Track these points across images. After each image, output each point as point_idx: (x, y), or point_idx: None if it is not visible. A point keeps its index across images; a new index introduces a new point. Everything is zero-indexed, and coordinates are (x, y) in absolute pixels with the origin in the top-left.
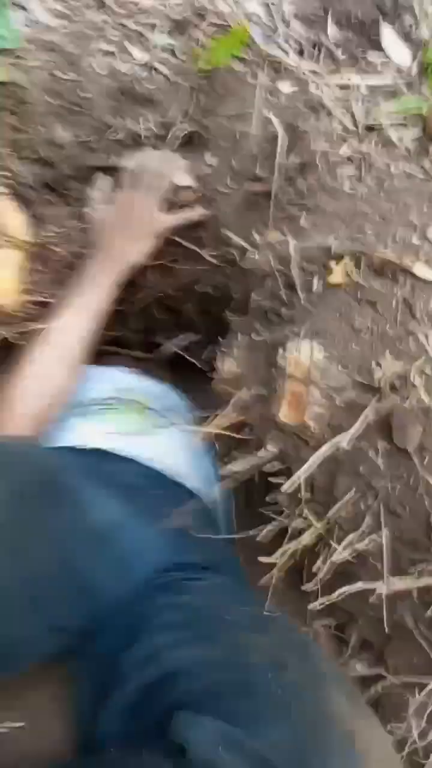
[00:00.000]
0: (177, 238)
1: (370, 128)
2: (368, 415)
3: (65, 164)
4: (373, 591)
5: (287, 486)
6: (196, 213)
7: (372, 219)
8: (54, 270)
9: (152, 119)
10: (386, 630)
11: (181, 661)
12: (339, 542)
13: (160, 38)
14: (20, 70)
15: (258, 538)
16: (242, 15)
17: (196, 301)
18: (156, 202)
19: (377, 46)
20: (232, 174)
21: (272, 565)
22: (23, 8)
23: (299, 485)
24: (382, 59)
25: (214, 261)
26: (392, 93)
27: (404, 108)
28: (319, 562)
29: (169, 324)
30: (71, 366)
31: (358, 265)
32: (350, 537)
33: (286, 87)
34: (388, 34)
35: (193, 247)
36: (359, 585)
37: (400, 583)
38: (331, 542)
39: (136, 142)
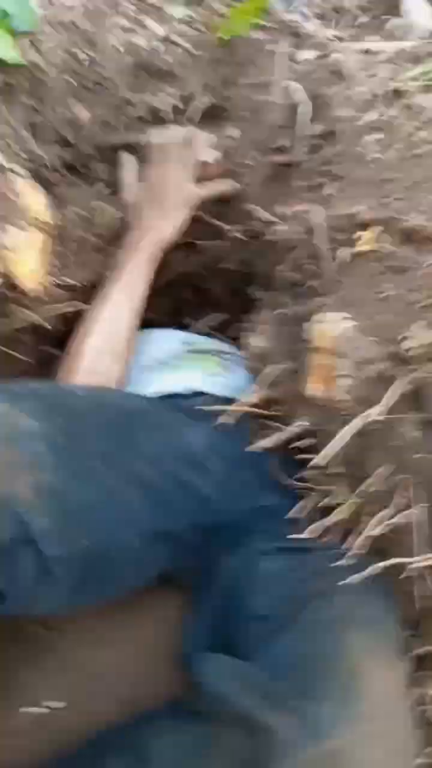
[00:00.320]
0: (201, 214)
1: (395, 93)
2: (399, 386)
3: (85, 144)
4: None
5: (320, 459)
6: (226, 185)
7: (399, 186)
8: (78, 252)
9: (172, 93)
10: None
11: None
12: (372, 517)
13: (177, 10)
14: (37, 52)
15: (289, 515)
16: None
17: (222, 279)
18: (186, 173)
19: (400, 9)
20: (255, 145)
21: None
22: None
23: (330, 461)
24: (405, 23)
25: (239, 236)
26: (417, 57)
27: (430, 72)
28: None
29: (196, 304)
30: (120, 356)
31: (386, 233)
32: (383, 513)
33: (307, 54)
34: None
35: (217, 222)
36: (393, 561)
37: None
38: (364, 518)
39: (156, 117)
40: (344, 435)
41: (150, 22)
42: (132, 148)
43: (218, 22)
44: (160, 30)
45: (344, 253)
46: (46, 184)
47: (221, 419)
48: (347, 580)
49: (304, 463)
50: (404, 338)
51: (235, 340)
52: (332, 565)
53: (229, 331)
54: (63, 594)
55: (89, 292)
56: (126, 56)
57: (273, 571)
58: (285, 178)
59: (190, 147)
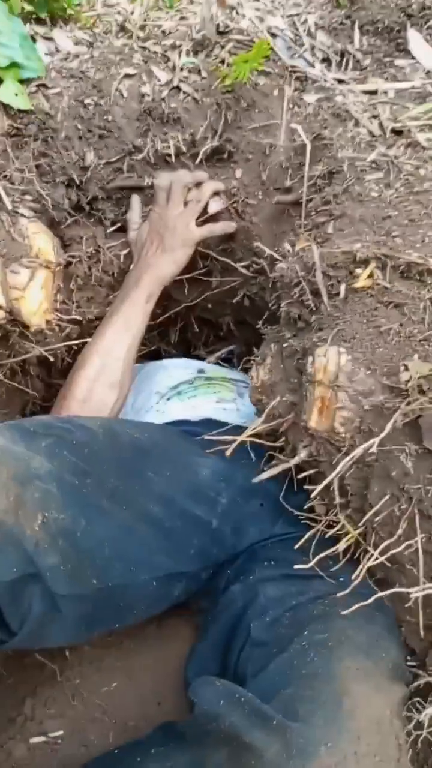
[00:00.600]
0: (209, 252)
1: (397, 132)
2: (397, 418)
3: (93, 186)
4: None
5: (318, 491)
6: (224, 226)
7: (399, 222)
8: (83, 287)
9: (179, 137)
10: (421, 635)
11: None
12: (375, 547)
13: (183, 58)
14: (44, 98)
15: (296, 547)
16: (265, 30)
17: (232, 312)
18: (189, 214)
19: (404, 51)
20: (261, 186)
21: None
22: (48, 38)
23: (334, 492)
24: (409, 63)
25: (247, 272)
26: (420, 96)
27: (431, 111)
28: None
29: (208, 337)
30: (114, 386)
31: (384, 269)
32: (386, 542)
33: (311, 97)
34: (415, 38)
35: (225, 259)
36: (394, 590)
37: None
38: (368, 548)
39: (163, 161)
40: (343, 467)
41: (156, 70)
42: (139, 190)
43: (223, 70)
44: (166, 77)
45: (343, 289)
46: (54, 224)
47: (227, 452)
48: (348, 609)
49: (310, 493)
50: (402, 370)
51: (245, 372)
52: (334, 591)
53: (237, 362)
54: (72, 629)
55: (95, 325)
56: (133, 102)
57: (274, 596)
58: (290, 218)
59: (195, 189)
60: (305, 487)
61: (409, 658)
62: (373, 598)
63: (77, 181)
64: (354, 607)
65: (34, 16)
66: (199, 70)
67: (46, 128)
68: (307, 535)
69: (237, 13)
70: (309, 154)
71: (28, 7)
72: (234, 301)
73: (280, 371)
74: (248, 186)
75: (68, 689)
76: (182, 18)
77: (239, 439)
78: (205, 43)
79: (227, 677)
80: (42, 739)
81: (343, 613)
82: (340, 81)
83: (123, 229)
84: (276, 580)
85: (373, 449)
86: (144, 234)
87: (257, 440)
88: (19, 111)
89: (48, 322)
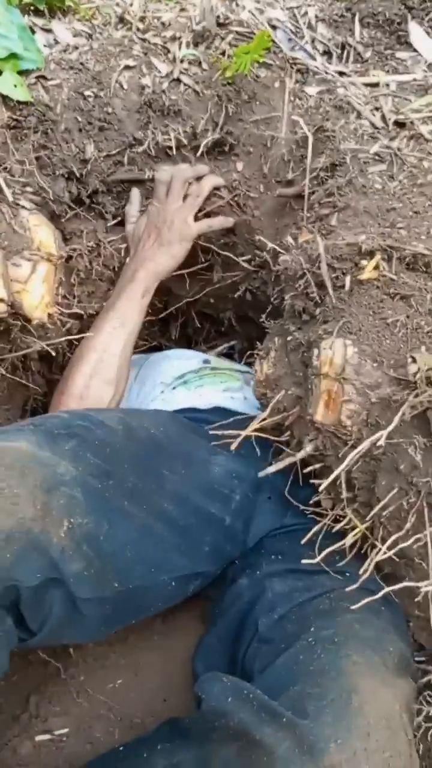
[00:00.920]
0: (210, 246)
1: (400, 124)
2: (405, 410)
3: (94, 178)
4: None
5: (325, 485)
6: (221, 221)
7: (404, 214)
8: (84, 281)
9: (180, 130)
10: (431, 629)
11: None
12: (383, 542)
13: (184, 50)
14: (43, 89)
15: (303, 542)
16: (265, 22)
17: (234, 307)
18: (187, 209)
19: (405, 43)
20: (263, 179)
21: None
22: (47, 30)
23: (340, 486)
24: (410, 55)
25: (248, 266)
26: (422, 88)
27: None
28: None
29: (209, 332)
30: (111, 381)
31: (389, 261)
32: (394, 536)
33: (312, 89)
34: (416, 30)
35: (226, 253)
36: (403, 584)
37: None
38: (376, 543)
39: (164, 153)
40: (350, 460)
41: (156, 61)
42: (139, 183)
43: (224, 62)
44: (166, 69)
45: (348, 280)
46: (54, 217)
47: (232, 447)
48: (356, 604)
49: (317, 487)
50: (409, 362)
51: (249, 366)
52: (340, 586)
53: (238, 357)
54: (92, 629)
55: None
56: (133, 95)
57: (281, 592)
58: (292, 210)
59: (195, 184)
60: (311, 481)
61: (417, 653)
62: (382, 593)
63: (77, 174)
64: (362, 603)
65: (32, 7)
66: (200, 62)
67: (45, 120)
68: (313, 530)
69: (237, 4)
70: (311, 146)
71: None
72: (235, 295)
73: (284, 365)
74: (249, 179)
75: (73, 686)
76: (182, 9)
77: (243, 434)
78: (206, 35)
79: (235, 671)
80: (47, 736)
81: (354, 608)
82: (342, 73)
83: (123, 223)
84: (283, 575)
85: (381, 442)
86: (141, 227)
87: (262, 435)
88: (19, 103)
89: (50, 315)
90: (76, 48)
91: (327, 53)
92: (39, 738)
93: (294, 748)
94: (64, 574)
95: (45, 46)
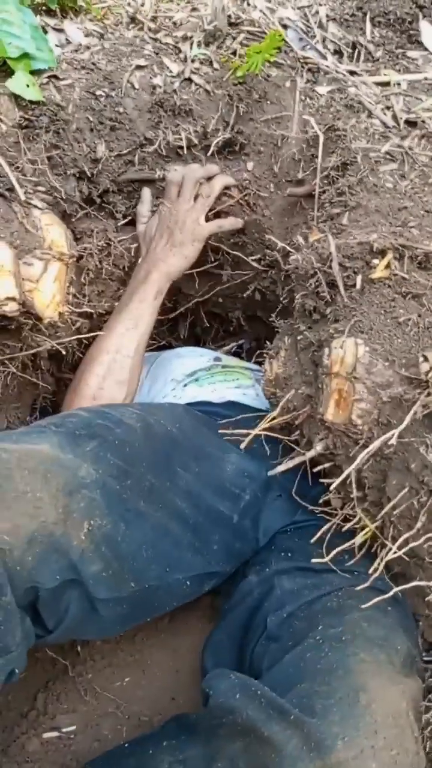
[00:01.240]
0: (220, 245)
1: (411, 123)
2: (417, 410)
3: (104, 178)
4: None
5: (335, 485)
6: (232, 222)
7: (416, 212)
8: (95, 281)
9: (191, 130)
10: None
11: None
12: (394, 541)
13: (195, 50)
14: (55, 89)
15: (312, 541)
16: (276, 21)
17: (243, 307)
18: (199, 209)
19: (416, 42)
20: (273, 178)
21: None
22: (59, 30)
23: (350, 485)
24: (421, 54)
25: (258, 266)
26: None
27: None
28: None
29: (218, 332)
30: (123, 382)
31: (401, 260)
32: (405, 536)
33: (323, 89)
34: (427, 29)
35: (236, 252)
36: (414, 584)
37: None
38: (386, 542)
39: (174, 153)
40: (361, 460)
41: (167, 61)
42: (150, 182)
43: (235, 61)
44: (177, 69)
45: (359, 280)
46: (65, 216)
47: (242, 446)
48: (364, 602)
49: (327, 486)
50: (421, 361)
51: (258, 365)
52: (349, 584)
53: (246, 357)
54: (108, 627)
55: (106, 319)
56: (144, 94)
57: (290, 589)
58: (301, 210)
59: (205, 184)
60: (321, 480)
61: (426, 653)
62: (392, 592)
63: (88, 174)
64: (371, 602)
65: (44, 7)
66: (211, 62)
67: (57, 120)
68: (323, 530)
69: (248, 4)
70: (322, 145)
71: None
72: (245, 295)
73: (294, 364)
74: (260, 178)
75: (81, 684)
76: (193, 9)
77: (253, 433)
78: (217, 35)
79: (243, 667)
80: (55, 734)
81: (363, 607)
82: (353, 72)
83: (134, 223)
84: (292, 572)
85: (393, 441)
86: (153, 228)
87: (272, 434)
88: (31, 102)
89: (61, 314)
90: (88, 48)
91: (338, 52)
92: (47, 735)
93: (302, 745)
94: (83, 576)
95: (57, 45)
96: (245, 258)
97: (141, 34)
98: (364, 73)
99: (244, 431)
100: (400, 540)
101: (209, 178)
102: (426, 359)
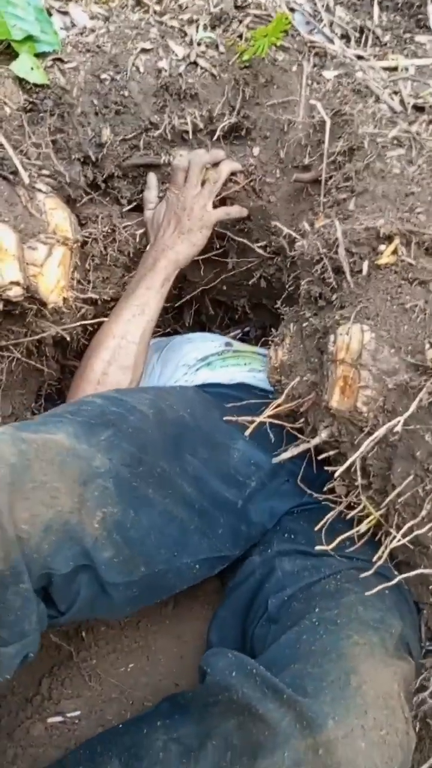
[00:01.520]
0: (226, 232)
1: (419, 109)
2: (423, 397)
3: (109, 163)
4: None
5: (340, 472)
6: (239, 209)
7: (423, 198)
8: (99, 267)
9: (196, 114)
10: None
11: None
12: (398, 529)
13: (201, 33)
14: (60, 72)
15: (316, 528)
16: (283, 5)
17: (248, 294)
18: (206, 195)
19: (424, 27)
20: (279, 164)
21: None
22: (64, 12)
23: (355, 473)
24: (429, 39)
25: (264, 253)
26: None
27: None
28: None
29: (223, 320)
30: (129, 368)
31: (408, 246)
32: (409, 523)
33: (330, 73)
34: None
35: (242, 239)
36: (418, 571)
37: None
38: (390, 530)
39: (180, 138)
40: (366, 447)
41: (173, 44)
42: (155, 167)
43: (241, 45)
44: (183, 52)
45: (366, 265)
46: (70, 201)
47: (247, 433)
48: (363, 586)
49: (333, 473)
50: (427, 348)
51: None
52: (348, 567)
53: (254, 344)
54: (118, 609)
55: (111, 305)
56: (150, 78)
57: (290, 571)
58: (307, 196)
59: (212, 169)
60: (326, 468)
61: (430, 642)
62: (395, 580)
63: (93, 158)
64: (375, 590)
65: None
66: (217, 45)
67: (62, 103)
68: (327, 518)
69: None
70: (329, 130)
71: None
72: (250, 282)
73: (299, 351)
74: (266, 164)
75: (85, 670)
76: None
77: (258, 419)
78: (223, 18)
79: (246, 645)
80: (59, 719)
81: (366, 594)
82: (360, 57)
83: (139, 208)
84: (292, 555)
85: (398, 428)
86: (161, 214)
87: (276, 421)
88: (35, 85)
89: (65, 299)
90: (93, 31)
91: (345, 37)
92: (51, 720)
93: (294, 723)
94: (95, 562)
95: (62, 28)
96: (251, 245)
97: (146, 17)
98: (371, 57)
99: (249, 418)
100: (405, 528)
101: (215, 164)
102: None
